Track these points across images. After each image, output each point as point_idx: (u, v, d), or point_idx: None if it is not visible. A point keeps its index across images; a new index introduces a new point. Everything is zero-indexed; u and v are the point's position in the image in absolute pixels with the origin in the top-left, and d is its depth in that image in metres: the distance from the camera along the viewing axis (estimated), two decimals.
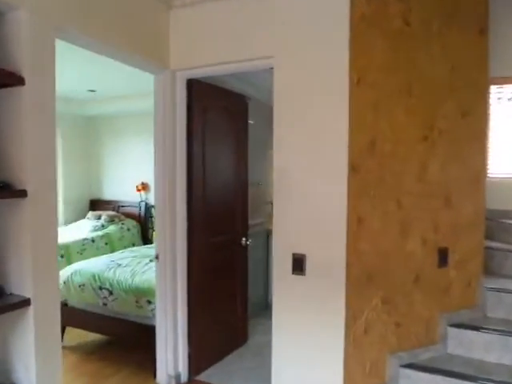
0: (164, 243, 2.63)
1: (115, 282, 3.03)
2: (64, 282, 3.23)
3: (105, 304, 3.02)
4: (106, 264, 3.34)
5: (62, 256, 4.47)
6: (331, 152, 2.01)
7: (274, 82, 2.17)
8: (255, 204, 3.77)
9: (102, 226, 5.41)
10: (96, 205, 6.19)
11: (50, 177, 1.78)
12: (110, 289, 3.01)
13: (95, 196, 6.30)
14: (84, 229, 5.31)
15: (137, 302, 2.87)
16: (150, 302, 2.82)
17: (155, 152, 2.63)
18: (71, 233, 5.26)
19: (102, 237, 5.09)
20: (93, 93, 5.42)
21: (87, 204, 6.25)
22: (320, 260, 2.07)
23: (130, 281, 2.98)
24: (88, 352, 3.25)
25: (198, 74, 2.57)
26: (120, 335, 3.10)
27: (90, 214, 5.74)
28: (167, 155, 2.60)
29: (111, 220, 5.57)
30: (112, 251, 5.11)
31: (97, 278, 3.12)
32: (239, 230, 3.20)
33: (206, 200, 2.81)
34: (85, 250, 4.78)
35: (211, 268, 2.88)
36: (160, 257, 2.64)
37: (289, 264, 2.14)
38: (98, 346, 3.38)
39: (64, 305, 3.25)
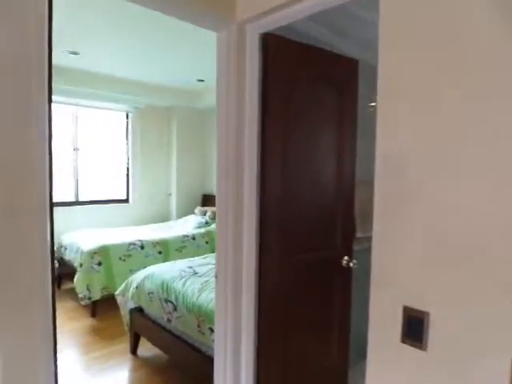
0: (225, 259, 1.96)
1: (181, 295, 2.50)
2: (137, 287, 2.87)
3: (169, 320, 2.53)
4: (181, 270, 2.87)
5: (159, 252, 4.27)
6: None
7: (382, 15, 1.24)
8: (367, 210, 2.79)
9: (206, 222, 5.11)
10: (208, 200, 5.99)
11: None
12: (175, 303, 2.50)
13: (208, 191, 6.11)
14: (189, 224, 5.10)
15: (198, 326, 2.28)
16: (213, 330, 2.19)
17: (218, 141, 1.97)
18: (177, 228, 5.10)
19: (203, 234, 4.77)
20: (203, 84, 5.16)
21: (199, 199, 6.11)
22: (459, 326, 1.08)
23: (195, 297, 2.42)
24: (156, 369, 2.83)
25: (277, 21, 1.79)
26: (182, 360, 2.56)
27: (198, 209, 5.54)
28: (231, 144, 1.91)
29: (215, 217, 5.23)
30: (212, 251, 4.74)
31: (165, 287, 2.65)
32: (339, 246, 2.32)
33: (288, 204, 2.02)
34: (184, 247, 4.51)
35: (293, 294, 2.09)
36: (219, 277, 1.98)
37: (396, 325, 1.21)
38: (168, 364, 2.93)
39: (139, 310, 2.90)
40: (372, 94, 1.48)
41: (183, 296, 2.48)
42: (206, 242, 4.76)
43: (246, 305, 1.99)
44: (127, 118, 5.57)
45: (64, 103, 4.91)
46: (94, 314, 3.75)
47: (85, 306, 3.82)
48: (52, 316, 1.39)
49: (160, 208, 5.90)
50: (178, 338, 2.49)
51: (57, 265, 4.37)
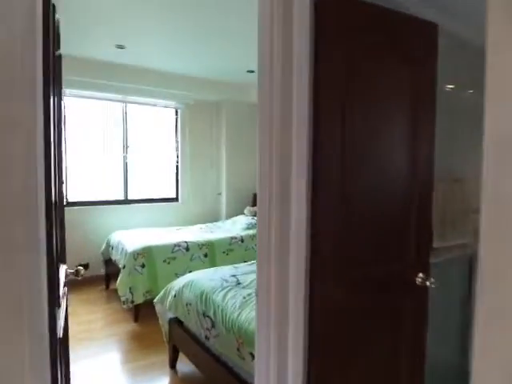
0: (267, 274, 1.59)
1: (220, 310, 2.18)
2: (175, 296, 2.61)
3: (207, 338, 2.22)
4: (223, 279, 2.55)
5: (205, 255, 4.01)
6: None
7: None
8: (449, 213, 2.28)
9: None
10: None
11: None
12: (213, 319, 2.18)
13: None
14: (238, 225, 4.81)
15: (238, 349, 1.94)
16: (254, 356, 1.83)
17: (259, 131, 1.61)
18: (225, 229, 4.83)
19: (252, 237, 4.45)
20: (253, 75, 4.82)
21: (250, 198, 5.80)
22: None
23: (235, 314, 2.07)
24: None
25: None
26: None
27: (247, 209, 5.23)
28: (275, 134, 1.53)
29: None
30: None
31: (203, 298, 2.34)
32: (411, 259, 1.84)
33: (346, 206, 1.59)
34: (232, 250, 4.22)
35: (353, 316, 1.66)
36: (261, 295, 1.61)
37: None
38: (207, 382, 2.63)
39: (178, 321, 2.64)
40: (448, 73, 1.02)
41: (222, 311, 2.15)
42: (256, 245, 4.42)
43: (293, 329, 1.60)
44: (176, 114, 5.41)
45: (113, 100, 4.85)
46: (136, 319, 3.58)
47: (128, 309, 3.66)
48: (51, 325, 1.14)
49: (209, 207, 5.68)
50: (216, 358, 2.17)
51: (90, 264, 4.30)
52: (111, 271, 4.34)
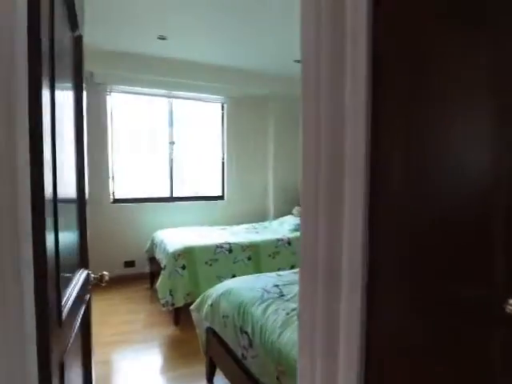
0: (312, 294, 1.28)
1: (259, 326, 1.90)
2: (211, 305, 2.37)
3: (244, 357, 1.96)
4: (264, 290, 2.26)
5: (249, 258, 3.76)
6: None
7: None
8: None
9: None
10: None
11: None
12: (251, 336, 1.91)
13: None
14: (285, 226, 4.51)
15: (277, 378, 1.65)
16: None
17: (303, 121, 1.29)
18: (271, 229, 4.55)
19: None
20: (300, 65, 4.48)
21: (298, 197, 5.46)
22: None
23: (275, 334, 1.78)
24: None
25: None
26: None
27: (296, 209, 4.91)
28: (323, 124, 1.21)
29: None
30: None
31: (242, 311, 2.08)
32: (500, 278, 1.43)
33: (412, 209, 1.23)
34: (278, 253, 3.93)
35: (421, 348, 1.30)
36: (304, 318, 1.31)
37: None
38: None
39: (215, 332, 2.40)
40: None
41: (261, 328, 1.87)
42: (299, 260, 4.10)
43: (344, 363, 1.28)
44: (222, 109, 5.22)
45: (158, 95, 4.76)
46: (176, 322, 3.42)
47: (169, 312, 3.52)
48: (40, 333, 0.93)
49: (256, 206, 5.43)
50: (254, 381, 1.90)
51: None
52: (156, 270, 4.25)
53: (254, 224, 4.86)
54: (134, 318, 3.61)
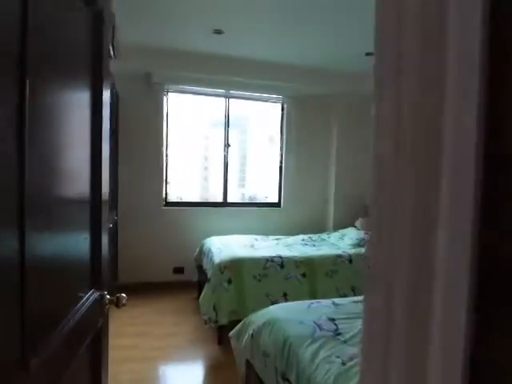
0: (379, 369, 0.86)
1: (305, 378, 1.49)
2: (252, 335, 2.01)
3: None
4: (317, 324, 1.84)
5: (303, 275, 3.34)
6: None
7: None
8: None
9: None
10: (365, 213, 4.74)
11: None
12: None
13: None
14: (346, 240, 4.01)
15: None
16: None
17: (375, 126, 0.88)
18: (330, 243, 4.08)
19: (364, 257, 3.61)
20: (372, 60, 3.97)
21: (362, 208, 4.91)
22: None
23: None
24: None
25: None
26: None
27: (359, 221, 4.37)
28: (407, 128, 0.78)
29: None
30: None
31: (286, 351, 1.69)
32: None
33: None
34: (336, 271, 3.45)
35: None
36: (371, 365, 0.89)
37: None
38: None
39: (253, 367, 2.04)
40: None
41: (309, 382, 1.46)
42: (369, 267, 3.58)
43: None
44: (282, 109, 4.86)
45: (214, 95, 4.54)
46: (220, 341, 3.12)
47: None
48: None
49: (315, 216, 4.98)
50: None
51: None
52: (204, 279, 4.00)
53: (311, 235, 4.42)
54: (178, 330, 3.37)
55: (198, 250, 4.12)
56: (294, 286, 3.29)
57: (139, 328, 3.38)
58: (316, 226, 4.89)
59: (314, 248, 3.82)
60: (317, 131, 4.92)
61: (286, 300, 3.24)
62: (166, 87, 4.29)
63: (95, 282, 1.33)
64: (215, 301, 3.06)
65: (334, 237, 4.26)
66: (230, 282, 3.12)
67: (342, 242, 4.04)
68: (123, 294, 1.46)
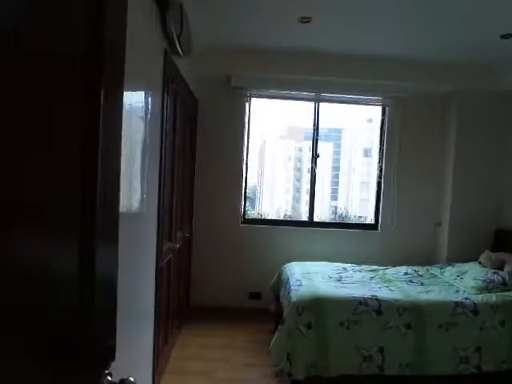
0: None
1: None
2: None
3: None
4: None
5: (408, 326, 2.53)
6: None
7: None
8: None
9: (504, 283, 2.90)
10: (506, 241, 3.65)
11: None
12: None
13: (507, 225, 3.75)
14: (468, 280, 3.05)
15: None
16: None
17: None
18: (443, 282, 3.15)
19: (495, 306, 2.64)
20: (507, 44, 3.02)
21: (489, 237, 3.82)
22: None
23: None
24: None
25: None
26: None
27: (485, 255, 3.33)
28: None
29: None
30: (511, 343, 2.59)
31: None
32: None
33: None
34: (455, 324, 2.56)
35: None
36: None
37: None
38: None
39: None
40: None
41: None
42: (502, 324, 2.60)
43: None
44: (383, 113, 4.07)
45: (302, 98, 3.96)
46: None
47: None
48: None
49: (422, 243, 4.04)
50: None
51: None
52: (282, 311, 3.42)
53: (416, 268, 3.53)
54: (246, 376, 2.83)
55: (275, 277, 3.56)
56: (394, 338, 2.51)
57: (203, 366, 2.92)
58: (423, 257, 3.95)
59: (421, 288, 2.96)
60: (428, 139, 4.01)
61: (383, 356, 2.49)
62: (247, 91, 3.86)
63: (88, 353, 0.83)
64: (290, 348, 2.45)
65: (448, 273, 3.31)
66: (309, 326, 2.48)
67: (461, 282, 3.08)
68: (131, 379, 0.93)
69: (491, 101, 3.77)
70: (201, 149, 3.86)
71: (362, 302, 2.56)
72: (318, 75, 3.64)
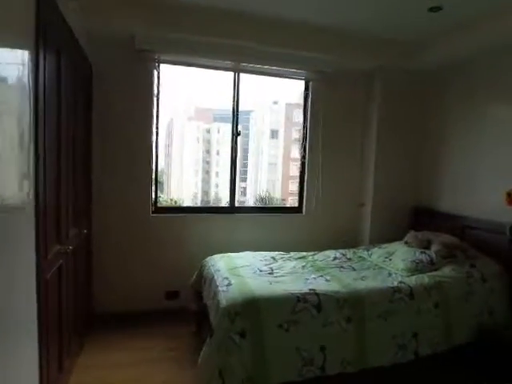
0: None
1: None
2: None
3: None
4: None
5: (348, 320, 2.31)
6: None
7: None
8: None
9: (432, 262, 2.88)
10: (422, 218, 3.71)
11: None
12: None
13: (424, 203, 3.82)
14: (397, 262, 2.97)
15: None
16: None
17: None
18: (373, 265, 3.05)
19: (429, 288, 2.58)
20: (436, 18, 2.92)
21: (408, 214, 3.87)
22: None
23: None
24: None
25: None
26: None
27: (411, 235, 3.33)
28: None
29: (449, 255, 2.95)
30: (447, 324, 2.56)
31: None
32: None
33: None
34: (393, 313, 2.42)
35: None
36: None
37: None
38: None
39: None
40: None
41: None
42: (436, 306, 2.55)
43: None
44: (306, 88, 3.80)
45: (219, 68, 3.48)
46: None
47: None
48: None
49: (346, 224, 3.95)
50: None
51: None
52: (205, 309, 2.99)
53: (343, 251, 3.38)
54: None
55: (195, 275, 3.10)
56: (335, 335, 2.27)
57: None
58: (348, 239, 3.86)
59: (354, 274, 2.79)
60: (352, 117, 3.87)
61: (325, 356, 2.24)
62: (154, 55, 3.23)
63: None
64: (222, 364, 2.04)
65: (376, 255, 3.22)
66: (243, 335, 2.09)
67: (391, 263, 3.00)
68: None
69: (415, 78, 3.74)
70: (99, 127, 3.15)
71: (300, 299, 2.26)
72: (239, 39, 3.17)
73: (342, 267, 2.94)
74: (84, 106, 2.81)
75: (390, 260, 3.05)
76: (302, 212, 3.90)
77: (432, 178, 3.72)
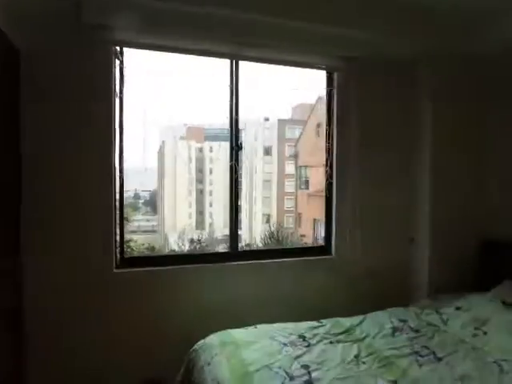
0: None
1: None
2: None
3: None
4: None
5: None
6: None
7: None
8: None
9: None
10: (497, 256, 2.64)
11: None
12: None
13: (497, 234, 2.73)
14: (501, 339, 1.88)
15: None
16: None
17: None
18: (463, 344, 1.94)
19: None
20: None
21: (476, 251, 2.80)
22: None
23: None
24: None
25: None
26: None
27: (507, 286, 2.24)
28: None
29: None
30: None
31: None
32: None
33: None
34: None
35: None
36: None
37: None
38: None
39: None
40: None
41: None
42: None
43: None
44: (330, 80, 2.75)
45: (210, 54, 2.44)
46: None
47: None
48: None
49: (393, 269, 2.83)
50: None
51: None
52: None
53: (402, 316, 2.28)
54: None
55: (183, 367, 1.96)
56: None
57: None
58: (396, 289, 2.75)
59: (446, 370, 1.68)
60: (394, 122, 2.82)
61: None
62: (114, 35, 2.17)
63: None
64: None
65: (457, 322, 2.11)
66: None
67: (488, 340, 1.90)
68: None
69: (475, 66, 2.73)
70: (34, 136, 2.08)
71: None
72: (237, 8, 2.14)
73: (417, 353, 1.82)
74: (11, 106, 1.75)
75: (485, 334, 1.95)
76: (330, 253, 2.80)
77: (508, 203, 2.67)
